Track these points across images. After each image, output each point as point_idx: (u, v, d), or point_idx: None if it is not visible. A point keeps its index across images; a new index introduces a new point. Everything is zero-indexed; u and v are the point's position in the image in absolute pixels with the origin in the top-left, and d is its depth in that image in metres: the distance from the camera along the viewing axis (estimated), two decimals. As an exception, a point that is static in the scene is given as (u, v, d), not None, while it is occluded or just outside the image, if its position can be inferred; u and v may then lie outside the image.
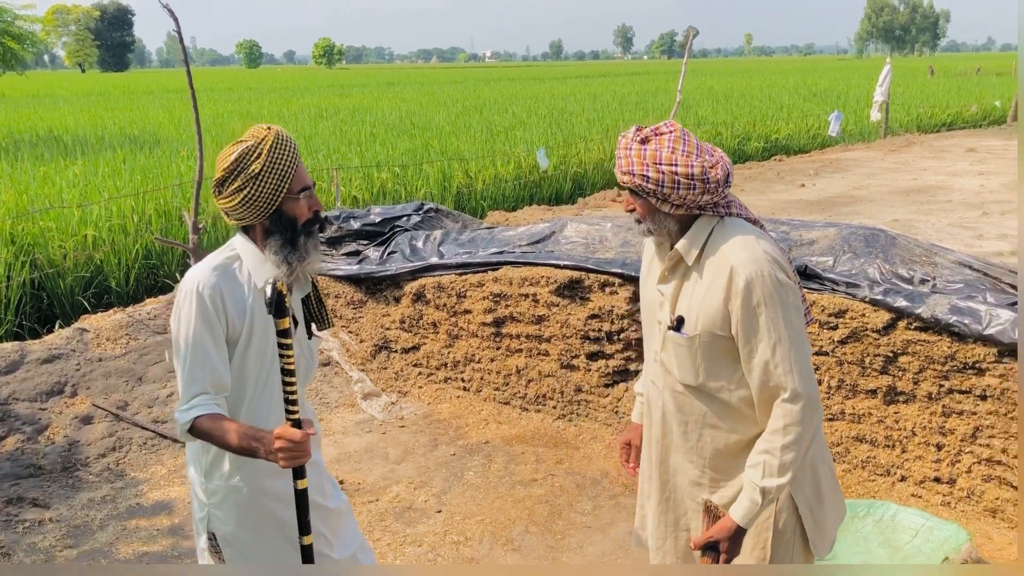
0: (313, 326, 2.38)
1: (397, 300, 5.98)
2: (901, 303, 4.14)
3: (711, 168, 2.11)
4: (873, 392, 4.29)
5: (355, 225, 6.53)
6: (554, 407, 5.33)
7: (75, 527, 4.17)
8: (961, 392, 4.04)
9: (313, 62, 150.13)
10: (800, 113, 22.08)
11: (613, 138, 15.67)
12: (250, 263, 2.24)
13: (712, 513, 2.18)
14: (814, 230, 5.07)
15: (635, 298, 5.03)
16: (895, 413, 4.25)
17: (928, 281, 4.34)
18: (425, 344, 5.84)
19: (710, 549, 2.17)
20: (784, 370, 2.09)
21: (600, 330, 5.14)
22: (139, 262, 8.26)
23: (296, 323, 2.31)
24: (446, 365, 5.74)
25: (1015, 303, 4.04)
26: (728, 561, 2.16)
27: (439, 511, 4.30)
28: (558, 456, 4.86)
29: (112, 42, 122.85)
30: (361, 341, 6.03)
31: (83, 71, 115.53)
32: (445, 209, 7.03)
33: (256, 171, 2.13)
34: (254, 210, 2.17)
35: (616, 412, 5.12)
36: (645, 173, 2.12)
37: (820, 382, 4.35)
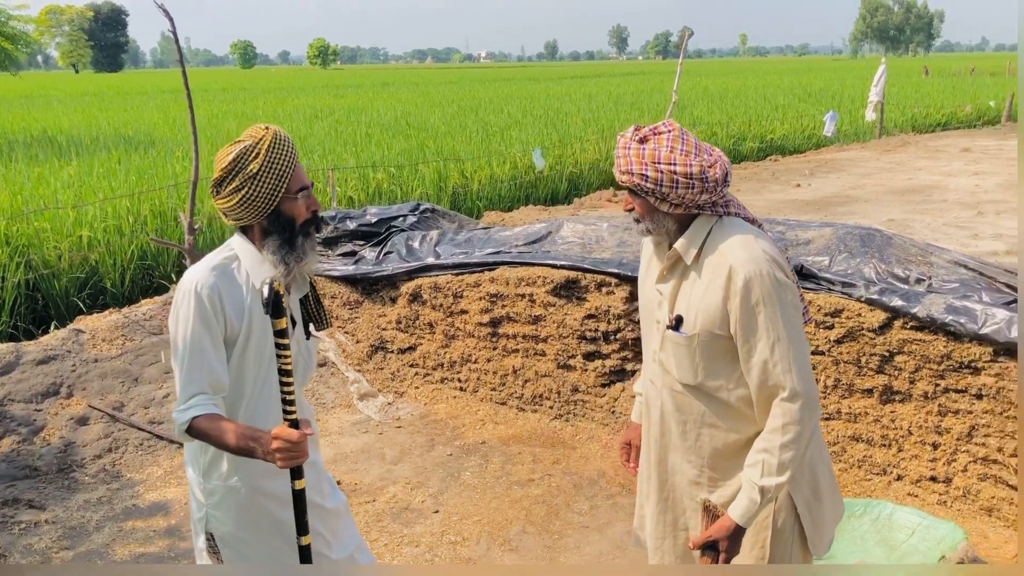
0: (311, 326, 2.38)
1: (393, 300, 5.97)
2: (897, 302, 4.15)
3: (710, 167, 2.11)
4: (869, 391, 4.30)
5: (351, 225, 6.52)
6: (551, 407, 5.33)
7: (71, 528, 4.16)
8: (957, 391, 4.05)
9: (308, 62, 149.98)
10: (795, 113, 22.12)
11: (609, 138, 15.68)
12: (248, 263, 2.23)
13: (711, 512, 2.19)
14: (810, 230, 5.08)
15: (632, 298, 5.03)
16: (891, 412, 4.26)
17: (924, 280, 4.35)
18: (421, 344, 5.84)
19: (709, 548, 2.17)
20: (783, 369, 2.09)
21: (597, 330, 5.14)
22: (134, 263, 8.24)
23: (294, 323, 2.31)
24: (442, 365, 5.73)
25: (1011, 302, 4.04)
26: (728, 560, 2.16)
27: (436, 511, 4.30)
28: (555, 456, 4.86)
29: (106, 42, 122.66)
30: (357, 342, 6.03)
31: (77, 71, 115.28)
32: (441, 209, 7.03)
33: (254, 171, 2.13)
34: (252, 210, 2.17)
35: (613, 412, 5.12)
36: (644, 172, 2.12)
37: (816, 381, 4.36)
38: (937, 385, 4.09)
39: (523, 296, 5.35)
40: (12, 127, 21.32)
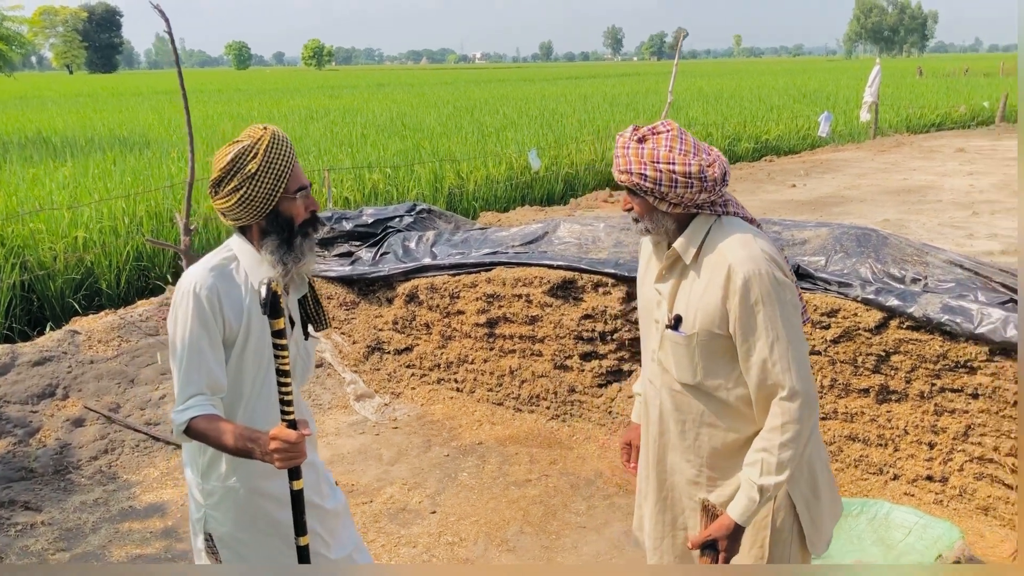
0: (310, 327, 2.38)
1: (390, 301, 5.97)
2: (893, 302, 4.16)
3: (708, 167, 2.11)
4: (865, 391, 4.31)
5: (347, 226, 6.52)
6: (548, 408, 5.33)
7: (67, 530, 4.15)
8: (953, 391, 4.06)
9: (303, 63, 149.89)
10: (790, 114, 22.16)
11: (604, 139, 15.69)
12: (247, 264, 2.23)
13: (710, 512, 2.19)
14: (806, 230, 5.09)
15: (628, 298, 5.03)
16: (887, 412, 4.27)
17: (920, 280, 4.36)
18: (418, 345, 5.84)
19: (708, 548, 2.17)
20: (782, 368, 2.09)
21: (593, 330, 5.14)
22: (130, 264, 8.22)
23: (293, 324, 2.30)
24: (439, 366, 5.73)
25: (1006, 302, 4.06)
26: (727, 560, 2.17)
27: (433, 512, 4.30)
28: (552, 456, 4.86)
29: (100, 43, 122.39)
30: (354, 342, 6.02)
31: (71, 72, 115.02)
32: (438, 210, 7.03)
33: (252, 171, 2.13)
34: (251, 210, 2.17)
35: (610, 412, 5.13)
36: (643, 172, 2.13)
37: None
38: (933, 385, 4.10)
39: (520, 296, 5.35)
40: (6, 128, 21.27)
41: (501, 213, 10.52)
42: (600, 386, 5.19)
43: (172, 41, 5.95)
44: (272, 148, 2.15)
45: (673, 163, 2.10)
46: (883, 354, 4.20)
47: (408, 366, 5.86)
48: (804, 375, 2.11)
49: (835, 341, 4.32)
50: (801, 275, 4.51)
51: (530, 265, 5.40)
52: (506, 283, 5.40)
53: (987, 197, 11.81)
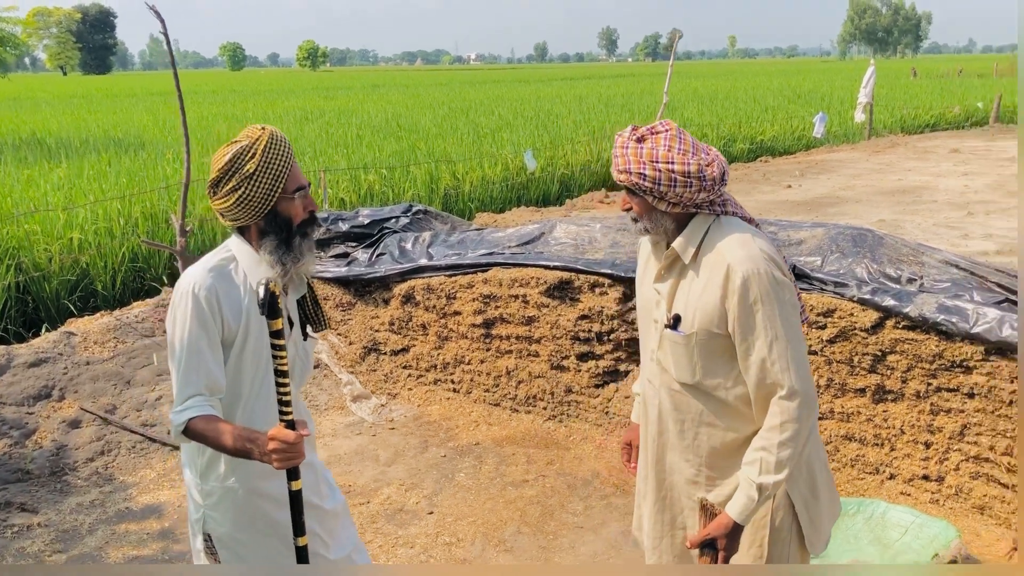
0: (309, 328, 2.38)
1: (386, 302, 5.97)
2: (889, 302, 4.17)
3: (707, 166, 2.12)
4: (862, 391, 4.32)
5: (343, 227, 6.52)
6: (544, 408, 5.33)
7: (64, 532, 4.14)
8: (949, 390, 4.07)
9: (297, 64, 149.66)
10: (785, 115, 22.20)
11: (600, 140, 15.71)
12: (246, 264, 2.23)
13: (708, 511, 2.19)
14: (802, 230, 5.10)
15: (625, 299, 5.04)
16: (884, 411, 4.28)
17: (915, 280, 4.38)
18: (415, 346, 5.84)
19: (707, 547, 2.18)
20: (781, 367, 2.10)
21: (590, 331, 5.15)
22: (125, 265, 8.21)
23: (292, 324, 2.30)
24: (436, 367, 5.73)
25: (1002, 301, 4.07)
26: (726, 559, 2.17)
27: (430, 513, 4.30)
28: (549, 457, 4.87)
29: (94, 44, 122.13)
30: (350, 343, 6.02)
31: (65, 74, 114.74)
32: (434, 211, 7.03)
33: (251, 171, 2.13)
34: (249, 210, 2.17)
35: (607, 413, 5.13)
36: (642, 171, 2.13)
37: (809, 381, 4.37)
38: (929, 384, 4.11)
39: (516, 297, 5.36)
40: (0, 129, 21.21)
41: (497, 214, 10.53)
42: (597, 386, 5.19)
43: (168, 42, 5.94)
44: (270, 148, 2.15)
45: (672, 162, 2.10)
46: (879, 354, 4.21)
47: (405, 367, 5.86)
48: (803, 374, 2.12)
49: (831, 341, 4.33)
50: (797, 275, 4.52)
51: (527, 266, 5.40)
52: (503, 284, 5.40)
53: (982, 197, 11.85)
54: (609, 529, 4.11)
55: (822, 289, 4.42)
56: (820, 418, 4.43)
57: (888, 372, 4.21)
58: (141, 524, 4.21)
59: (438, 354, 5.71)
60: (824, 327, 4.34)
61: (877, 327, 4.21)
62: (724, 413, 2.24)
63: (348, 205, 10.73)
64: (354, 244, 6.43)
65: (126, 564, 3.87)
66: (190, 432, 2.10)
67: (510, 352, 5.46)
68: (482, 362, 5.54)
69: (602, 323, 5.10)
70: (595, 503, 4.36)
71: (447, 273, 5.68)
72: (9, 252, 7.64)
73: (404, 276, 5.84)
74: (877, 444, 4.31)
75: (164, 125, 21.81)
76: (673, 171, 2.10)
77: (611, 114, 22.45)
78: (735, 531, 2.15)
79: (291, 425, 2.03)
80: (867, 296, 4.25)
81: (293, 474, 2.09)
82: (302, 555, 2.17)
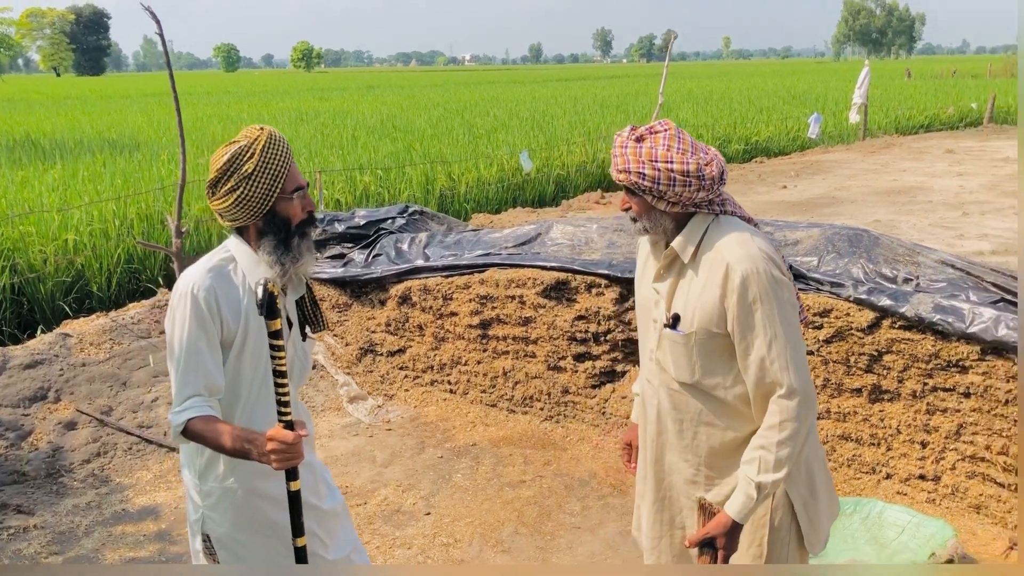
0: (308, 328, 2.38)
1: (382, 303, 5.96)
2: (885, 302, 4.18)
3: (706, 165, 2.12)
4: (858, 391, 4.33)
5: (339, 228, 6.51)
6: (541, 409, 5.33)
7: (60, 534, 4.13)
8: (945, 390, 4.08)
9: (291, 66, 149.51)
10: (780, 115, 22.23)
11: (595, 141, 15.72)
12: (244, 264, 2.23)
13: (707, 510, 2.19)
14: (798, 230, 5.11)
15: (621, 299, 5.04)
16: (880, 411, 4.28)
17: (911, 280, 4.38)
18: (411, 347, 5.83)
19: (706, 546, 2.18)
20: (780, 366, 2.10)
21: (587, 331, 5.15)
22: (121, 266, 8.19)
23: (291, 325, 2.30)
24: (432, 368, 5.73)
25: (998, 301, 4.08)
26: (726, 557, 2.17)
27: (428, 513, 4.29)
28: (546, 458, 4.87)
29: (88, 46, 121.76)
30: (346, 344, 6.01)
31: (58, 75, 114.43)
32: (430, 211, 7.03)
33: (249, 171, 2.13)
34: (248, 210, 2.17)
35: (603, 413, 5.13)
36: (641, 171, 2.13)
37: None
38: (925, 384, 4.12)
39: (513, 298, 5.36)
40: (-6, 130, 21.17)
41: (493, 215, 10.52)
42: (594, 387, 5.20)
43: (163, 43, 5.93)
44: (269, 148, 2.15)
45: (671, 161, 2.10)
46: (875, 354, 4.22)
47: (401, 368, 5.85)
48: (802, 373, 2.12)
49: (828, 341, 4.34)
50: (794, 275, 4.52)
51: (523, 266, 5.40)
52: (499, 284, 5.40)
53: (977, 198, 11.88)
54: (606, 529, 4.11)
55: (818, 289, 4.43)
56: (817, 418, 4.43)
57: (884, 372, 4.22)
58: (138, 526, 4.21)
59: (435, 355, 5.71)
60: (820, 327, 4.35)
61: (873, 327, 4.22)
62: (723, 413, 2.24)
63: (344, 206, 10.72)
64: (350, 245, 6.43)
65: (125, 564, 3.86)
66: (189, 433, 2.09)
67: (507, 353, 5.46)
68: (479, 363, 5.54)
69: (599, 323, 5.10)
70: (592, 503, 4.37)
71: (443, 274, 5.67)
72: (4, 253, 7.62)
73: (400, 277, 5.83)
74: (873, 444, 4.32)
75: (159, 126, 21.78)
76: (672, 170, 2.11)
77: (606, 115, 22.47)
78: (734, 530, 2.15)
79: (290, 426, 2.03)
80: (863, 296, 4.25)
81: (292, 475, 2.09)
82: (301, 555, 2.17)
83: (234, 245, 2.26)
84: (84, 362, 5.43)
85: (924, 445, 4.17)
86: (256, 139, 2.15)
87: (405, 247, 6.10)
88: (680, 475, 2.35)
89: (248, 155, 2.14)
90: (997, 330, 3.85)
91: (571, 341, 5.20)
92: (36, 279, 7.56)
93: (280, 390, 2.04)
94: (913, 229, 9.75)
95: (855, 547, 3.69)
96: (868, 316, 4.22)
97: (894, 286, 4.34)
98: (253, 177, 2.13)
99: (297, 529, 2.15)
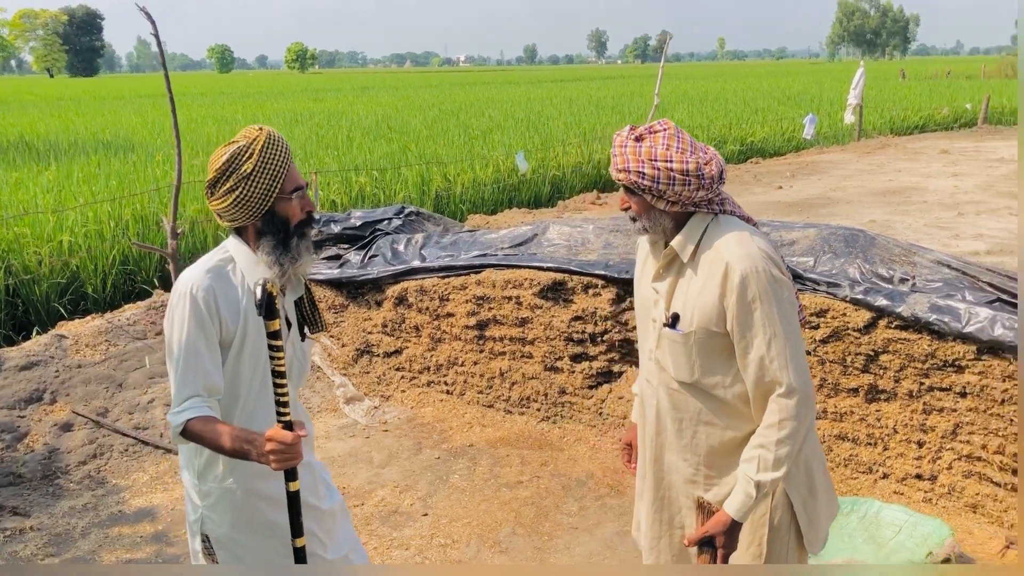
0: (306, 329, 2.37)
1: (379, 304, 5.96)
2: (882, 302, 4.19)
3: (705, 164, 2.13)
4: (855, 390, 4.33)
5: (335, 229, 6.51)
6: (538, 409, 5.33)
7: (56, 535, 4.12)
8: (941, 389, 4.09)
9: (286, 66, 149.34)
10: (775, 116, 22.25)
11: (591, 141, 15.73)
12: (243, 265, 2.23)
13: (705, 509, 2.19)
14: (794, 231, 5.11)
15: (618, 299, 5.04)
16: (876, 411, 4.29)
17: (908, 280, 4.39)
18: (408, 348, 5.83)
19: (706, 545, 2.18)
20: (779, 365, 2.10)
21: (584, 332, 5.15)
22: (116, 268, 8.17)
23: (289, 325, 2.30)
24: (429, 369, 5.72)
25: (993, 301, 4.09)
26: (725, 556, 2.17)
27: (425, 514, 4.29)
28: (543, 458, 4.87)
29: (81, 47, 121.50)
30: (343, 345, 6.01)
31: (51, 76, 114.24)
32: (426, 212, 7.02)
33: (248, 171, 2.13)
34: (246, 211, 2.16)
35: (600, 414, 5.13)
36: (641, 170, 2.14)
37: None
38: (922, 383, 4.13)
39: (510, 298, 5.36)
40: (-12, 132, 21.09)
41: (489, 215, 10.53)
42: (591, 387, 5.20)
43: (159, 43, 5.92)
44: (268, 148, 2.15)
45: (671, 160, 2.11)
46: (872, 353, 4.23)
47: (398, 369, 5.85)
48: (801, 372, 2.12)
49: (824, 341, 4.34)
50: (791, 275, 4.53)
51: (520, 267, 5.40)
52: (496, 285, 5.40)
53: (971, 198, 11.91)
54: (604, 529, 4.11)
55: (815, 289, 4.44)
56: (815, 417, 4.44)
57: (881, 372, 4.23)
58: (134, 527, 4.20)
59: (431, 356, 5.70)
60: (817, 327, 4.36)
61: (870, 327, 4.22)
62: (722, 412, 2.24)
63: (339, 207, 10.70)
64: (346, 246, 6.42)
65: (124, 564, 3.85)
66: (188, 433, 2.09)
67: (503, 354, 5.46)
68: (475, 364, 5.54)
69: (595, 324, 5.10)
70: (590, 504, 4.37)
71: (440, 275, 5.67)
72: (-2, 255, 7.60)
73: (397, 278, 5.83)
74: (870, 443, 4.33)
75: (153, 127, 21.73)
76: (672, 169, 2.11)
77: (602, 116, 22.48)
78: (733, 528, 2.15)
79: (289, 426, 2.03)
80: (860, 296, 4.26)
81: (291, 475, 2.09)
82: (300, 556, 2.17)
83: (233, 245, 2.26)
84: (80, 363, 5.42)
85: (921, 445, 4.18)
86: (255, 139, 2.15)
87: (401, 248, 6.09)
88: (679, 474, 2.35)
89: (247, 155, 2.14)
90: (993, 330, 3.86)
91: (568, 342, 5.20)
92: (31, 281, 7.54)
93: (279, 390, 2.03)
94: (908, 229, 9.77)
95: (852, 546, 3.70)
96: (864, 316, 4.23)
97: (890, 286, 4.35)
98: (252, 177, 2.13)
99: (296, 529, 2.14)
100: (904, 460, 4.24)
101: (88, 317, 6.21)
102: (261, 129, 2.17)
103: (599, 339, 5.13)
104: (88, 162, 13.27)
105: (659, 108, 13.52)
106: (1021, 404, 3.73)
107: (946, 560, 3.48)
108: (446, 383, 5.65)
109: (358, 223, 6.54)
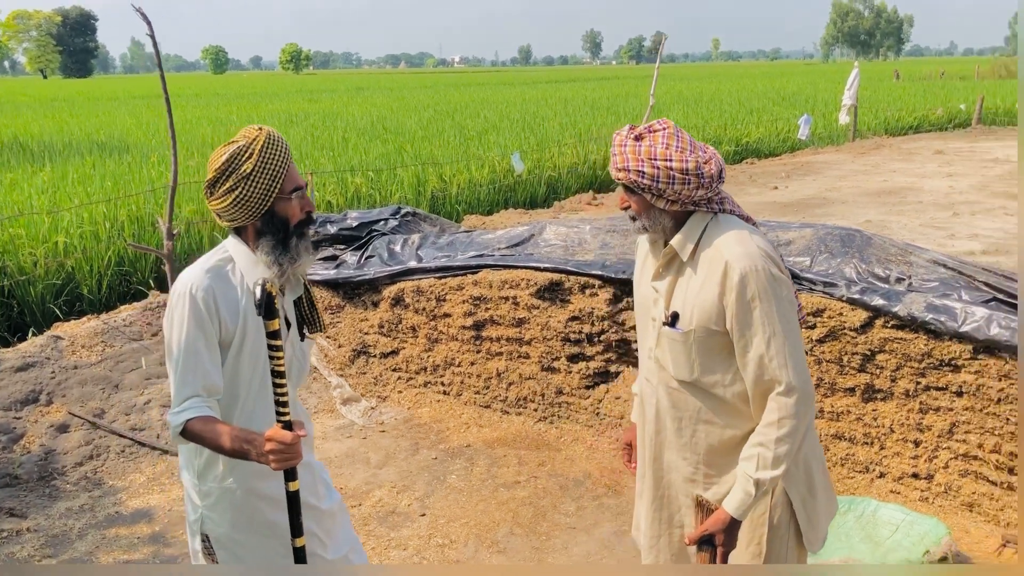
0: (305, 328, 2.37)
1: (375, 304, 5.95)
2: (878, 302, 4.20)
3: (705, 163, 2.13)
4: (851, 390, 4.34)
5: (332, 230, 6.50)
6: (535, 409, 5.33)
7: (53, 537, 4.11)
8: (938, 389, 4.10)
9: (280, 67, 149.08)
10: (770, 117, 22.28)
11: (586, 142, 15.73)
12: (243, 265, 2.23)
13: (705, 507, 2.20)
14: (790, 231, 5.12)
15: (615, 300, 5.05)
16: (873, 410, 4.30)
17: (904, 280, 4.41)
18: (404, 348, 5.83)
19: (705, 543, 2.18)
20: (779, 364, 2.11)
21: (580, 332, 5.15)
22: (112, 269, 8.15)
23: (289, 325, 2.30)
24: (426, 369, 5.72)
25: (989, 300, 4.10)
26: (724, 554, 2.18)
27: (423, 515, 4.29)
28: (540, 458, 4.87)
29: (75, 48, 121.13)
30: (339, 346, 6.00)
31: (45, 77, 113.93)
32: (423, 213, 7.02)
33: (247, 171, 2.13)
34: (246, 211, 2.16)
35: (597, 414, 5.14)
36: (640, 169, 2.14)
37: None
38: (918, 383, 4.14)
39: (506, 299, 5.36)
40: (-18, 133, 21.03)
41: (485, 216, 10.52)
42: (588, 388, 5.20)
43: (155, 44, 5.91)
44: (267, 148, 2.15)
45: (670, 159, 2.11)
46: (868, 353, 4.24)
47: (394, 369, 5.84)
48: (801, 370, 2.13)
49: (821, 341, 4.35)
50: (787, 275, 4.54)
51: (517, 267, 5.40)
52: (492, 285, 5.40)
53: (967, 198, 11.94)
54: (602, 529, 4.12)
55: (811, 289, 4.45)
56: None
57: (877, 371, 4.24)
58: (131, 528, 4.19)
59: (428, 356, 5.70)
60: (814, 327, 4.37)
61: (866, 326, 4.23)
62: (722, 411, 2.25)
63: (335, 208, 10.69)
64: (342, 247, 6.41)
65: (121, 565, 3.85)
66: (188, 433, 2.09)
67: (500, 354, 5.46)
68: (472, 364, 5.54)
69: (592, 324, 5.11)
70: (587, 504, 4.37)
71: (437, 275, 5.67)
72: (-7, 256, 7.58)
73: (393, 278, 5.83)
74: (867, 443, 4.34)
75: (148, 128, 21.70)
76: (671, 168, 2.11)
77: (597, 116, 22.50)
78: (732, 526, 2.16)
79: (288, 426, 2.03)
80: (856, 296, 4.27)
81: (290, 475, 2.09)
82: (300, 555, 2.17)
83: (232, 245, 2.26)
84: (76, 364, 5.41)
85: (917, 444, 4.19)
86: (255, 139, 2.15)
87: (398, 248, 6.09)
88: (679, 473, 2.36)
89: (247, 155, 2.14)
90: (989, 329, 3.88)
91: (565, 342, 5.21)
92: (26, 282, 7.52)
93: (278, 390, 2.03)
94: (904, 229, 9.80)
95: (850, 545, 3.70)
96: (861, 316, 4.24)
97: (887, 286, 4.36)
98: (251, 177, 2.13)
99: (296, 529, 2.14)
100: (901, 459, 4.25)
101: (84, 318, 6.20)
102: (261, 129, 2.17)
103: (596, 339, 5.13)
104: (83, 163, 13.25)
105: (654, 109, 13.52)
106: (1021, 404, 3.74)
107: (943, 559, 3.49)
108: (443, 384, 5.65)
109: (354, 224, 6.54)
